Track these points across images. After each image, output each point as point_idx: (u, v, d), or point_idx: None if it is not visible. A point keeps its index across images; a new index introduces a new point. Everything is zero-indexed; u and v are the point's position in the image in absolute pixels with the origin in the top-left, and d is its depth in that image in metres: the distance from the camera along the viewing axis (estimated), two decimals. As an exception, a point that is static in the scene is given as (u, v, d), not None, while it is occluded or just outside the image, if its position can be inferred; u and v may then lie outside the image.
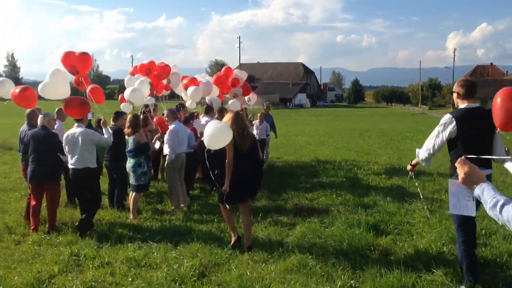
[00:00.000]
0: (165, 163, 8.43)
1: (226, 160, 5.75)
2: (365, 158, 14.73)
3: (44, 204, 7.04)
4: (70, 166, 6.93)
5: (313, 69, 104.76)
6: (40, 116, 7.11)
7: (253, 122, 12.57)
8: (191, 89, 9.73)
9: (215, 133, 5.57)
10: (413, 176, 5.23)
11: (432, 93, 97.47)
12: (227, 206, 6.02)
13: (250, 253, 5.74)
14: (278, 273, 5.11)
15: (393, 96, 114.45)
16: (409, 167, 5.18)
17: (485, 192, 2.21)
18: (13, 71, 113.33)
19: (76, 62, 7.25)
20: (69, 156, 6.92)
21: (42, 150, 6.85)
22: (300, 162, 13.88)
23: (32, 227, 6.82)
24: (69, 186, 8.40)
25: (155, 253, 5.82)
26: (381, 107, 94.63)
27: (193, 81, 10.29)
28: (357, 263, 5.30)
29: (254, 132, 12.49)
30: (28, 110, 7.63)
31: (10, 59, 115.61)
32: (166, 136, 8.28)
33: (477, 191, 2.25)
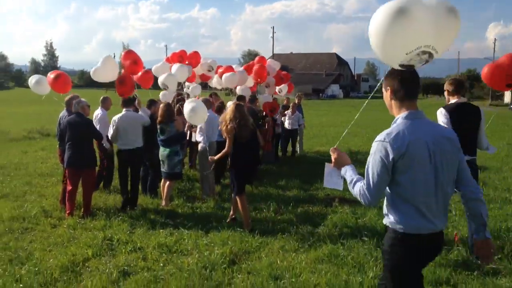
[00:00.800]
0: (198, 152, 8.47)
1: (225, 149, 6.43)
2: (399, 149, 14.40)
3: (80, 189, 7.20)
4: (122, 148, 7.40)
5: (347, 60, 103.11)
6: (73, 102, 7.20)
7: (286, 112, 12.52)
8: (227, 74, 10.04)
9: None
10: None
11: (471, 84, 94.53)
12: (244, 197, 6.40)
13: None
14: (309, 263, 5.07)
15: (429, 87, 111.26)
16: None
17: (347, 173, 2.92)
18: (51, 60, 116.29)
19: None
20: (121, 139, 7.37)
21: (78, 136, 6.98)
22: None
23: (67, 211, 6.99)
24: (107, 171, 8.58)
25: (186, 240, 5.88)
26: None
27: (229, 69, 10.68)
28: (389, 255, 5.19)
29: (286, 122, 12.44)
30: (67, 97, 7.80)
31: (49, 48, 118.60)
32: (200, 125, 8.29)
33: (342, 171, 2.98)
